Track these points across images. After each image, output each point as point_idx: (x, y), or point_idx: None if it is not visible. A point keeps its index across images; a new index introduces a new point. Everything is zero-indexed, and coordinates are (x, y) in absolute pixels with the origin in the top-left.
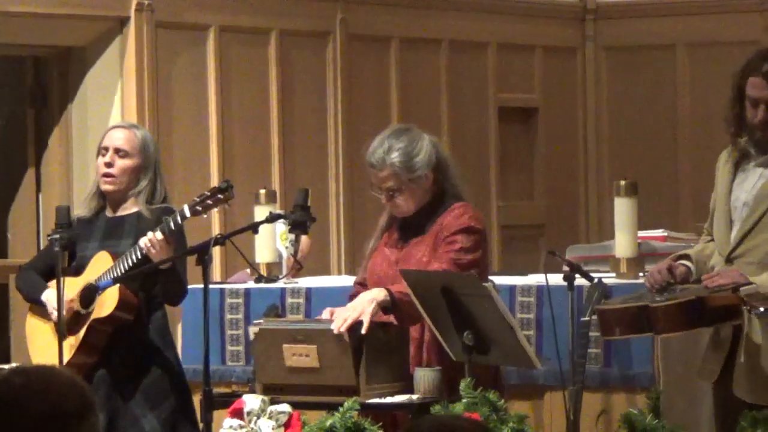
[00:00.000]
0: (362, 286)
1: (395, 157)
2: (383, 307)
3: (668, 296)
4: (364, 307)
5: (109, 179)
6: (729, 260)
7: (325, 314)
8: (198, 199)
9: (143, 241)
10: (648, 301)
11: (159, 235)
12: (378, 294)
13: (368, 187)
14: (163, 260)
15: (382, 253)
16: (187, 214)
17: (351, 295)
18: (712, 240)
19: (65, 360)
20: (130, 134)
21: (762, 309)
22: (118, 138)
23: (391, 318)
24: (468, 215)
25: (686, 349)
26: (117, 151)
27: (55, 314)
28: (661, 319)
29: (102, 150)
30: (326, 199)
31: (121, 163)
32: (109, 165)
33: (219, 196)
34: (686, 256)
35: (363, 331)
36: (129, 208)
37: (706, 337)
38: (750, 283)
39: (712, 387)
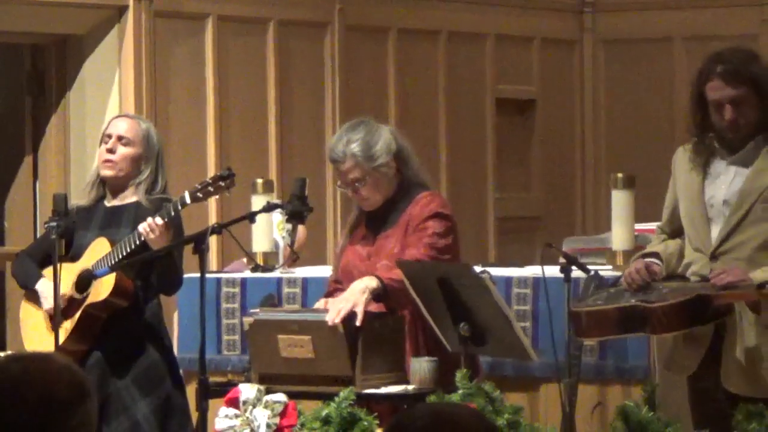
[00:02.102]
0: (338, 282)
1: (355, 147)
2: (375, 294)
3: (657, 295)
4: (357, 297)
5: (109, 164)
6: (714, 257)
7: (320, 305)
8: (199, 186)
9: (143, 226)
10: (636, 300)
11: (159, 220)
12: (370, 282)
13: (335, 184)
14: (161, 249)
15: (353, 249)
16: (188, 200)
17: (327, 293)
18: (669, 238)
19: (60, 342)
20: (133, 123)
21: None
22: (121, 126)
23: (382, 306)
24: (436, 203)
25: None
26: (120, 138)
27: (46, 304)
28: (663, 319)
29: (105, 137)
30: (323, 189)
31: (122, 151)
32: (110, 151)
33: (220, 183)
34: (654, 254)
35: (357, 323)
36: (128, 198)
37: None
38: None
39: (688, 380)
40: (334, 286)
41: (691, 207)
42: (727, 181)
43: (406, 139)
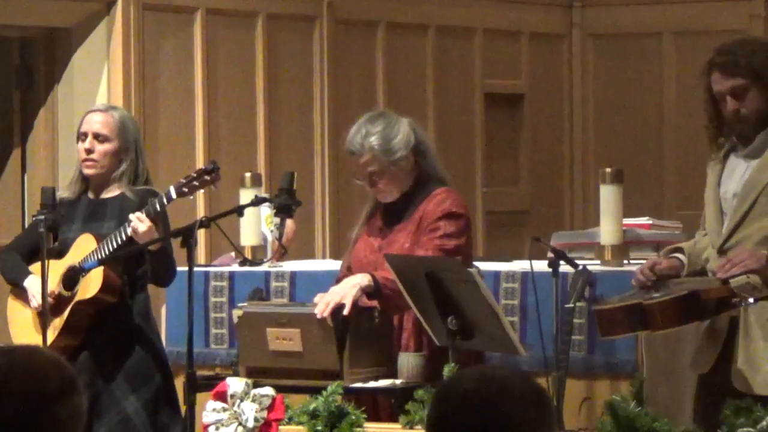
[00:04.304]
0: (350, 270)
1: (374, 140)
2: (367, 292)
3: (663, 292)
4: (347, 290)
5: (90, 163)
6: (722, 252)
7: (317, 300)
8: (184, 181)
9: (129, 223)
10: (641, 299)
11: (140, 214)
12: (362, 279)
13: (351, 176)
14: (150, 241)
15: (366, 240)
16: (174, 195)
17: (338, 278)
18: (707, 235)
19: (49, 342)
20: (107, 117)
21: (751, 300)
22: (96, 122)
23: (375, 303)
24: (450, 200)
25: (670, 337)
26: (96, 136)
27: (34, 302)
28: (657, 315)
29: (81, 135)
30: (312, 182)
31: (101, 148)
32: (89, 151)
33: (205, 177)
34: (679, 249)
35: (345, 313)
36: (112, 191)
37: (690, 326)
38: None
39: (700, 377)
40: (344, 273)
41: (709, 202)
42: (740, 174)
43: (424, 132)
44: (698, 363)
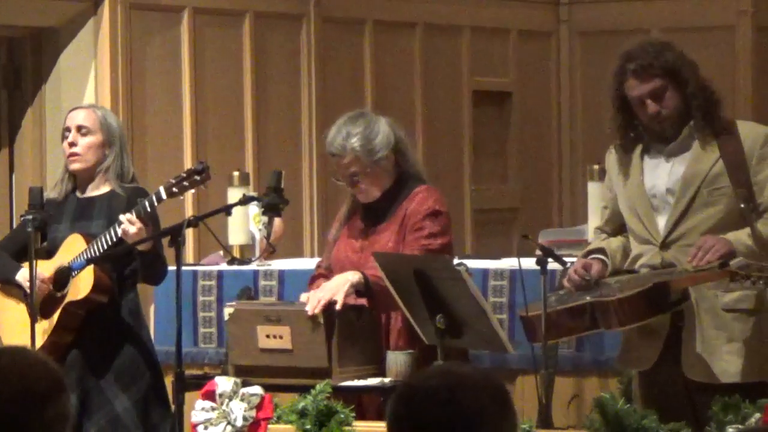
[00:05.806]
0: (328, 270)
1: (355, 141)
2: (357, 290)
3: (608, 290)
4: (339, 287)
5: (74, 157)
6: (665, 246)
7: (303, 299)
8: (174, 181)
9: (119, 225)
10: (590, 297)
11: (130, 215)
12: (353, 276)
13: (331, 176)
14: (138, 241)
15: (347, 241)
16: (164, 195)
17: (312, 277)
18: (610, 236)
19: (39, 343)
20: (89, 112)
21: None
22: (78, 117)
23: (364, 301)
24: (432, 199)
25: None
26: (79, 129)
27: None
28: (619, 312)
29: (65, 132)
30: (300, 181)
31: (84, 141)
32: (72, 145)
33: (195, 177)
34: (600, 250)
35: (337, 308)
36: (99, 188)
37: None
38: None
39: (642, 374)
40: (319, 272)
41: (634, 200)
42: (666, 170)
43: (403, 131)
44: (636, 359)
